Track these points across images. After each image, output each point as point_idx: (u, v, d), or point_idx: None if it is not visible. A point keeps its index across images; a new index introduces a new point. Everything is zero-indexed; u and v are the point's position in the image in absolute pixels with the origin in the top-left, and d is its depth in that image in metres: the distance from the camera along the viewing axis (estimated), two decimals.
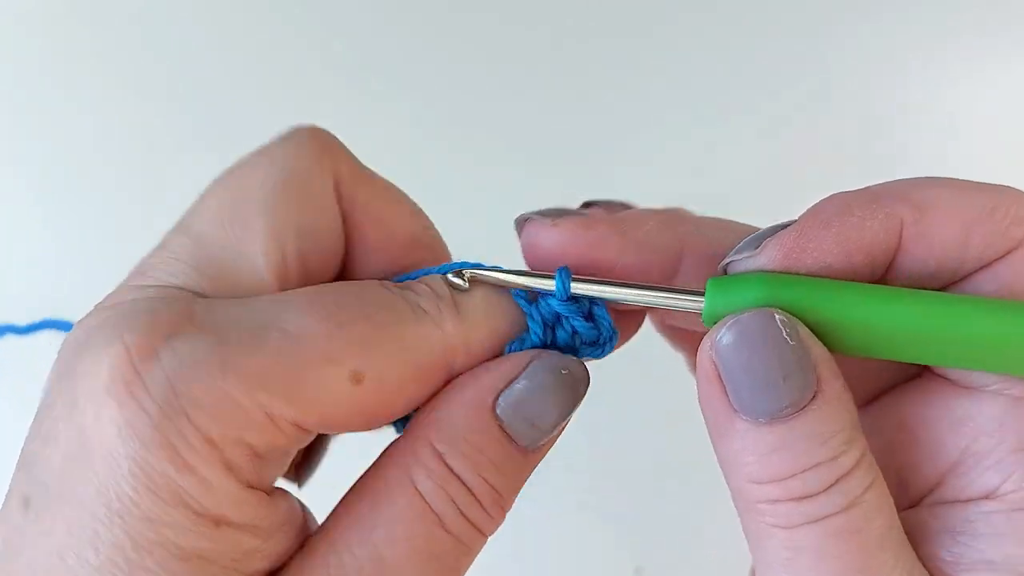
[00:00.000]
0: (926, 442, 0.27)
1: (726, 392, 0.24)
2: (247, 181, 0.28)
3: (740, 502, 0.25)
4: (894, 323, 0.24)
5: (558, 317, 0.28)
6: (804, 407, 0.23)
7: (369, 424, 0.26)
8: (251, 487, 0.24)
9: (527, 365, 0.27)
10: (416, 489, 0.25)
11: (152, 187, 0.76)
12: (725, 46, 0.79)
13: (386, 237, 0.30)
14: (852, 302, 0.24)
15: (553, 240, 0.27)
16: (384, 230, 0.30)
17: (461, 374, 0.27)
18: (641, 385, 0.58)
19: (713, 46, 0.79)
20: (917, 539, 0.26)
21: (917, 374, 0.29)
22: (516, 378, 0.26)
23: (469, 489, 0.26)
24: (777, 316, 0.24)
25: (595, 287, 0.27)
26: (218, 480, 0.23)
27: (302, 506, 0.28)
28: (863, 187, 0.26)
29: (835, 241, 0.24)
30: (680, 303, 0.26)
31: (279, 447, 0.25)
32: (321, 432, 0.27)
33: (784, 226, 0.26)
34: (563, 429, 0.27)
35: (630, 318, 0.31)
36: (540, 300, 0.28)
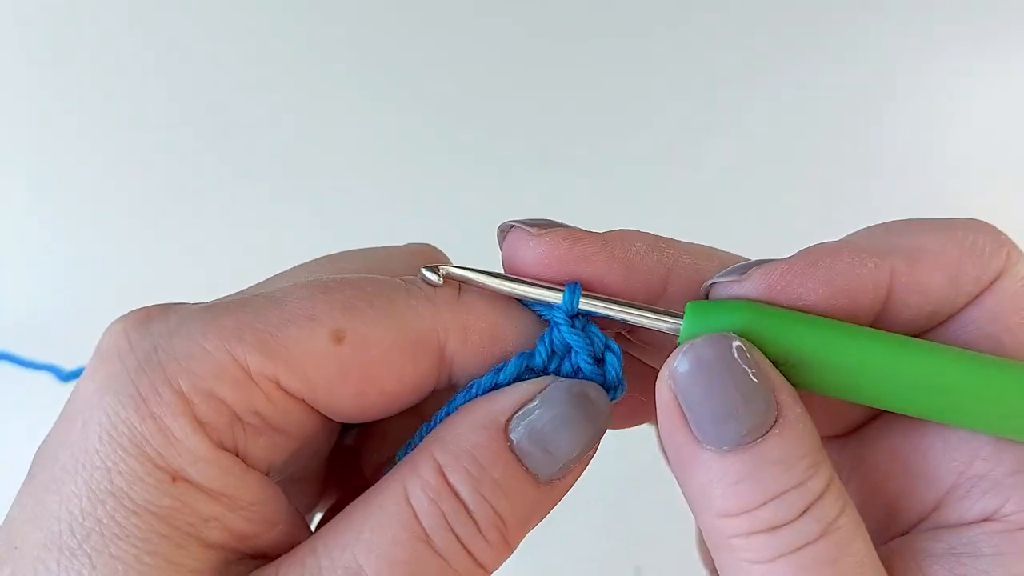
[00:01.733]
0: (920, 468, 0.27)
1: (687, 422, 0.24)
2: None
3: (713, 540, 0.24)
4: (868, 366, 0.24)
5: (568, 349, 0.27)
6: (766, 432, 0.23)
7: (356, 396, 0.25)
8: (224, 449, 0.24)
9: (544, 388, 0.26)
10: (408, 500, 0.24)
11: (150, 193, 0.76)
12: (726, 48, 0.79)
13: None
14: (832, 340, 0.24)
15: (539, 252, 0.26)
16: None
17: (456, 372, 0.27)
18: None
19: (714, 49, 0.79)
20: (918, 563, 0.25)
21: None
22: (531, 400, 0.25)
23: (466, 508, 0.24)
24: (734, 342, 0.24)
25: (590, 302, 0.26)
26: (182, 432, 0.23)
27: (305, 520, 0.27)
28: (847, 236, 0.27)
29: (821, 281, 0.25)
30: (657, 323, 0.26)
31: (260, 409, 0.24)
32: (309, 400, 0.25)
33: (771, 261, 0.26)
34: (587, 463, 0.26)
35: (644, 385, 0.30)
36: (553, 328, 0.27)
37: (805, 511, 0.23)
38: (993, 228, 0.26)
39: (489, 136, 0.78)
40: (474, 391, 0.27)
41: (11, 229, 0.75)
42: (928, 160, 0.78)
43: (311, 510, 0.35)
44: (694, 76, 0.79)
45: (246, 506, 0.24)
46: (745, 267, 0.26)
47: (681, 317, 0.25)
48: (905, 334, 0.26)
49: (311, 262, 0.30)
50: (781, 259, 0.25)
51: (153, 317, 0.25)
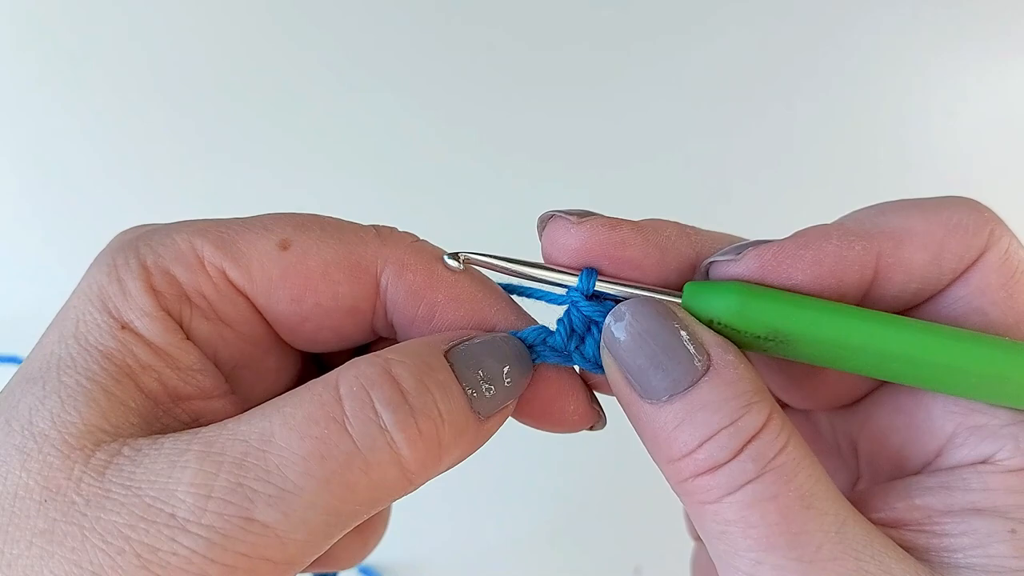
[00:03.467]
0: (922, 420, 0.28)
1: (628, 381, 0.26)
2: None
3: (673, 487, 0.26)
4: (849, 341, 0.26)
5: (587, 327, 0.29)
6: (697, 380, 0.25)
7: (292, 301, 0.28)
8: (168, 315, 0.27)
9: (478, 335, 0.28)
10: (336, 385, 0.25)
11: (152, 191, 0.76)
12: (729, 50, 0.79)
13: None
14: (815, 318, 0.26)
15: (580, 238, 0.28)
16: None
17: (387, 304, 0.29)
18: None
19: (718, 51, 0.79)
20: (909, 492, 0.27)
21: None
22: (471, 339, 0.28)
23: (404, 393, 0.25)
24: (653, 299, 0.27)
25: (617, 286, 0.28)
26: (136, 291, 0.27)
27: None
28: (840, 219, 0.28)
29: (810, 263, 0.26)
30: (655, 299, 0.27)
31: (208, 294, 0.28)
32: (250, 295, 0.28)
33: (767, 241, 0.27)
34: (508, 413, 0.28)
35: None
36: (571, 308, 0.29)
37: (741, 450, 0.24)
38: (978, 205, 0.27)
39: (487, 135, 0.79)
40: None
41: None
42: (928, 158, 0.78)
43: None
44: (697, 74, 0.79)
45: (183, 368, 0.27)
46: (741, 248, 0.27)
47: (680, 296, 0.27)
48: (893, 311, 0.27)
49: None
50: (775, 241, 0.27)
51: (146, 225, 0.30)
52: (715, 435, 0.24)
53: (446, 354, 0.26)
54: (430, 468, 0.25)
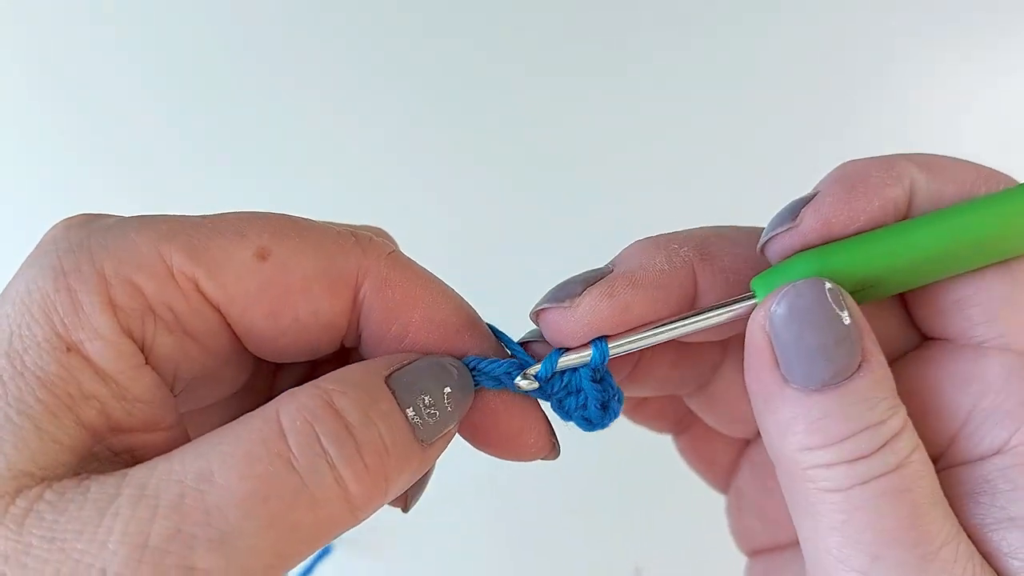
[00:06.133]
0: (935, 405, 0.28)
1: (776, 363, 0.25)
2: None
3: (788, 472, 0.26)
4: (930, 251, 0.26)
5: (578, 390, 0.29)
6: (852, 375, 0.25)
7: (269, 316, 0.26)
8: (129, 337, 0.24)
9: (421, 359, 0.27)
10: (277, 418, 0.23)
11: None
12: (728, 47, 0.79)
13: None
14: (894, 250, 0.26)
15: (582, 322, 0.27)
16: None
17: (365, 315, 0.27)
18: None
19: (717, 47, 0.79)
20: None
21: (921, 343, 0.30)
22: (412, 363, 0.26)
23: (348, 427, 0.23)
24: (827, 286, 0.25)
25: (633, 342, 0.28)
26: (91, 307, 0.23)
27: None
28: (875, 155, 0.28)
29: (864, 204, 0.26)
30: (733, 313, 0.27)
31: (176, 307, 0.25)
32: (224, 309, 0.26)
33: (810, 197, 0.27)
34: (449, 439, 0.27)
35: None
36: (575, 374, 0.28)
37: (883, 446, 0.24)
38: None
39: (490, 138, 0.78)
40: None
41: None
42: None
43: None
44: (697, 73, 0.79)
45: (132, 400, 0.24)
46: (793, 210, 0.27)
47: (746, 300, 0.27)
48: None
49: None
50: (820, 193, 0.27)
51: (93, 219, 0.26)
52: (864, 430, 0.24)
53: (387, 379, 0.25)
54: (376, 501, 0.24)
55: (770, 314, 0.25)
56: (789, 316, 0.25)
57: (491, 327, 0.30)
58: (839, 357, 0.25)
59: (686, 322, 0.27)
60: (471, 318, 0.29)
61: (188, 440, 0.25)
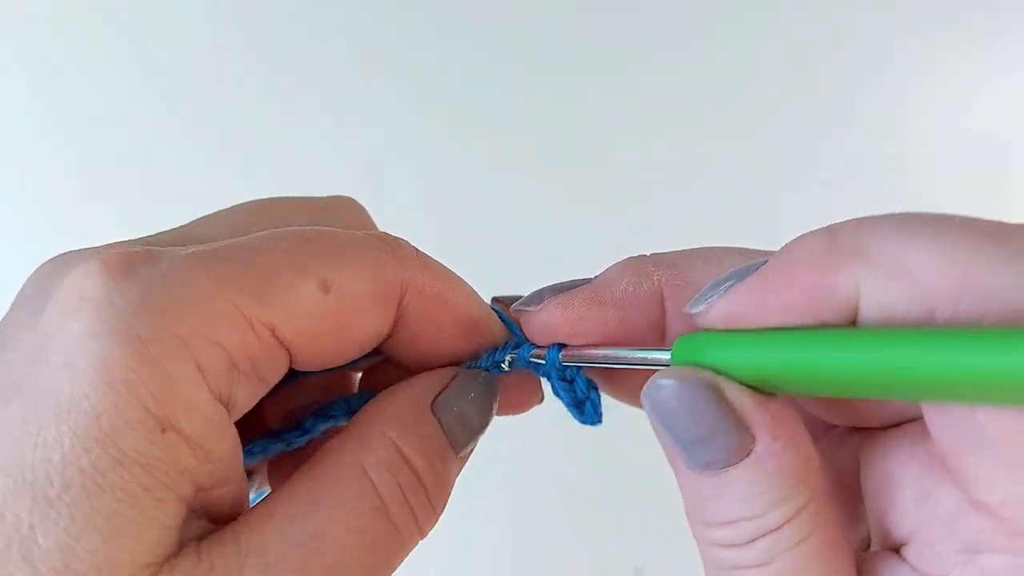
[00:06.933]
0: (899, 503, 0.25)
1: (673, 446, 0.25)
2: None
3: (696, 539, 0.26)
4: (859, 366, 0.21)
5: (572, 379, 0.30)
6: (735, 463, 0.23)
7: (338, 342, 0.26)
8: (219, 400, 0.23)
9: (456, 375, 0.29)
10: (367, 474, 0.25)
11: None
12: (728, 47, 0.79)
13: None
14: (814, 353, 0.22)
15: (540, 327, 0.29)
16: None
17: (408, 336, 0.28)
18: None
19: (717, 47, 0.79)
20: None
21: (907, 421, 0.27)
22: (449, 384, 0.28)
23: (418, 476, 0.26)
24: (698, 379, 0.23)
25: (583, 358, 0.29)
26: (182, 378, 0.21)
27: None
28: (825, 228, 0.23)
29: (799, 292, 0.22)
30: (645, 367, 0.26)
31: (255, 357, 0.24)
32: (296, 351, 0.25)
33: (745, 272, 0.24)
34: (474, 446, 0.29)
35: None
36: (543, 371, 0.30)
37: (755, 539, 0.23)
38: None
39: (482, 135, 0.78)
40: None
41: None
42: (930, 158, 0.78)
43: None
44: (696, 73, 0.79)
45: (216, 461, 0.23)
46: (718, 284, 0.24)
47: (669, 351, 0.25)
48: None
49: (236, 208, 0.30)
50: (750, 276, 0.24)
51: (138, 262, 0.23)
52: (736, 523, 0.24)
53: (432, 406, 0.27)
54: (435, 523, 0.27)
55: (647, 399, 0.24)
56: (660, 407, 0.24)
57: (494, 309, 0.31)
58: (715, 449, 0.23)
59: (617, 357, 0.27)
60: (486, 307, 0.30)
61: (246, 481, 0.26)
